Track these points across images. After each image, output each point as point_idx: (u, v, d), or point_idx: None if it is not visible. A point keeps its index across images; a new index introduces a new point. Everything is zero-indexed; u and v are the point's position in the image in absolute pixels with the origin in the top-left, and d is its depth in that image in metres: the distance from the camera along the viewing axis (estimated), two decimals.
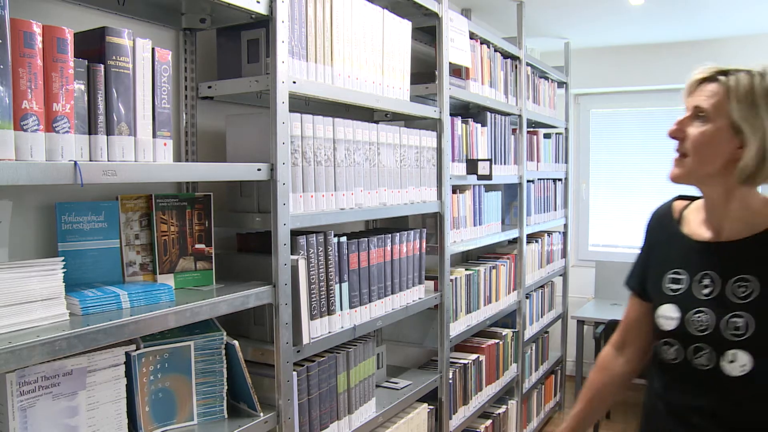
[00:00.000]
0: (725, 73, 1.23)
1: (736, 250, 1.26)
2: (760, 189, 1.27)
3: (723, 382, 1.23)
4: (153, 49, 1.34)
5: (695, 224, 1.35)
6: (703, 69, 1.26)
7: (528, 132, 3.47)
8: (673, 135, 1.28)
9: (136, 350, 1.41)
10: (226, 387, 1.57)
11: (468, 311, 2.75)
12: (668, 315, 1.31)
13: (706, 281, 1.28)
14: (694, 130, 1.24)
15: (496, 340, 3.08)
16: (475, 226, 2.83)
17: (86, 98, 1.22)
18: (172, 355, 1.48)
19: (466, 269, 2.79)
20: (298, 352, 1.67)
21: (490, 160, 2.73)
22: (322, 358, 1.81)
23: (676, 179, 1.29)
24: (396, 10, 2.16)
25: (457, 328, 2.62)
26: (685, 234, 1.35)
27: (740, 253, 1.26)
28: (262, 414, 1.58)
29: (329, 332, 1.82)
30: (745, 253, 1.25)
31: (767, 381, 1.21)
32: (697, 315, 1.27)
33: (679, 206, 1.42)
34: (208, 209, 1.59)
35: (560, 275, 4.26)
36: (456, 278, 2.61)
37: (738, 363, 1.21)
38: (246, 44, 1.72)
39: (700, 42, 4.35)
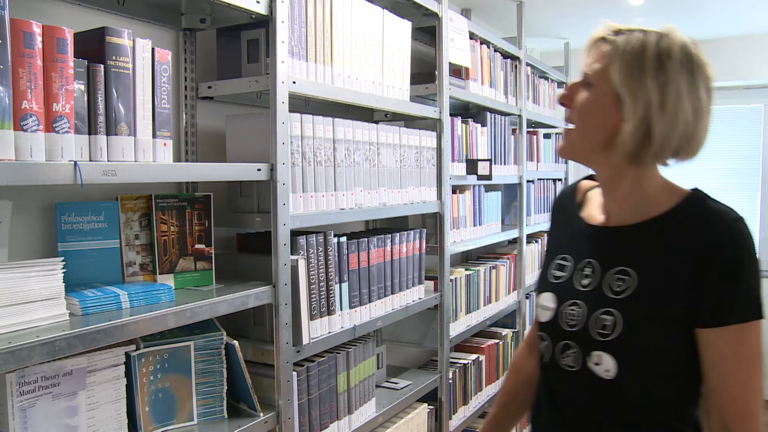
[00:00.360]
0: (621, 32, 1.07)
1: (620, 238, 1.12)
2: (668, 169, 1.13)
3: (594, 386, 1.08)
4: (153, 49, 1.34)
5: (594, 206, 1.21)
6: (601, 27, 1.11)
7: (528, 132, 3.47)
8: (561, 101, 1.13)
9: (136, 350, 1.41)
10: (226, 387, 1.57)
11: (468, 311, 2.75)
12: (546, 304, 1.17)
13: (587, 270, 1.13)
14: (580, 97, 1.09)
15: (496, 340, 3.08)
16: (475, 226, 2.83)
17: (86, 98, 1.22)
18: (172, 355, 1.48)
19: (466, 269, 2.78)
20: (298, 352, 1.67)
21: (490, 160, 2.73)
22: (322, 358, 1.81)
23: (561, 153, 1.15)
24: (396, 10, 2.16)
25: (457, 328, 2.62)
26: (582, 217, 1.21)
27: (624, 241, 1.11)
28: (262, 414, 1.58)
29: (329, 332, 1.82)
30: (628, 243, 1.10)
31: (635, 389, 1.06)
32: (571, 307, 1.12)
33: (584, 187, 1.27)
34: (208, 209, 1.59)
35: None
36: (456, 278, 2.61)
37: (603, 366, 1.06)
38: (246, 44, 1.72)
39: (700, 42, 4.34)
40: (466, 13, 3.45)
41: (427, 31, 2.53)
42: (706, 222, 1.04)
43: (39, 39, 1.11)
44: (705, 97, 1.04)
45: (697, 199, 1.09)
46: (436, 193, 2.40)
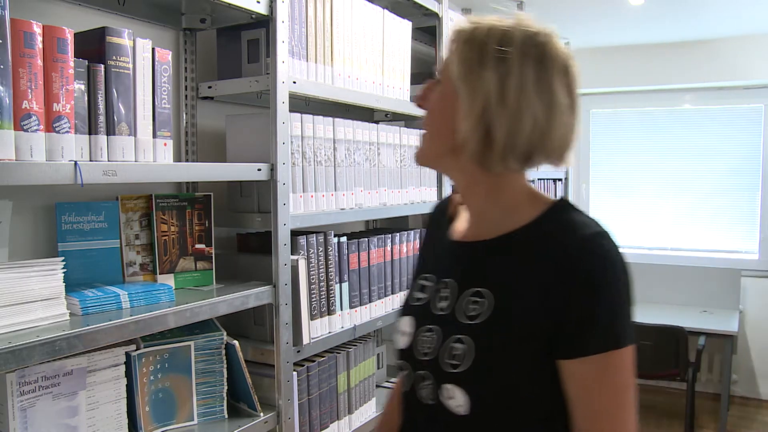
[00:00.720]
0: (474, 24, 0.94)
1: (477, 255, 0.99)
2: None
3: (449, 422, 0.94)
4: (153, 49, 1.34)
5: (463, 220, 1.07)
6: (460, 21, 0.96)
7: None
8: (415, 102, 1.02)
9: (136, 350, 1.41)
10: (226, 387, 1.57)
11: None
12: (403, 329, 1.04)
13: (444, 292, 0.99)
14: (433, 97, 0.98)
15: None
16: None
17: (86, 98, 1.22)
18: (172, 355, 1.48)
19: None
20: (298, 352, 1.67)
21: None
22: (322, 358, 1.81)
23: (417, 161, 1.03)
24: (396, 10, 2.16)
25: None
26: (449, 232, 1.08)
27: (481, 259, 0.98)
28: (262, 414, 1.58)
29: (329, 332, 1.82)
30: (485, 261, 0.97)
31: (492, 429, 0.92)
32: (426, 334, 0.98)
33: (458, 199, 1.13)
34: (208, 209, 1.59)
35: None
36: None
37: (455, 401, 0.92)
38: (246, 44, 1.72)
39: (700, 42, 4.35)
40: (466, 13, 3.44)
41: (427, 31, 2.53)
42: (563, 237, 0.91)
43: (39, 39, 1.11)
44: (562, 90, 0.90)
45: (558, 210, 0.96)
46: (437, 193, 2.40)
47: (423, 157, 1.02)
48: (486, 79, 0.88)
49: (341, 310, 1.88)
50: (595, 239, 0.90)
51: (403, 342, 1.03)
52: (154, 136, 1.35)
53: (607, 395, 0.88)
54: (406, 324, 1.04)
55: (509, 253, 0.95)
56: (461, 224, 1.06)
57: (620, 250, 0.91)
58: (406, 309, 1.07)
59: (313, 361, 1.78)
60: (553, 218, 0.95)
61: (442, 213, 1.14)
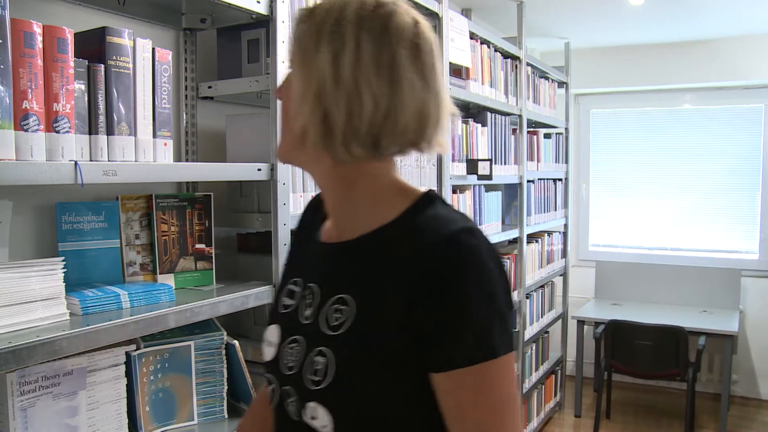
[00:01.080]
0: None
1: (340, 257, 0.89)
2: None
3: None
4: (153, 49, 1.34)
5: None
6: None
7: (528, 132, 3.47)
8: (276, 95, 0.96)
9: (136, 350, 1.41)
10: (226, 387, 1.57)
11: None
12: (270, 339, 0.94)
13: (310, 298, 0.90)
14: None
15: None
16: None
17: (86, 98, 1.22)
18: (173, 355, 1.48)
19: None
20: None
21: (490, 160, 2.73)
22: None
23: (279, 159, 0.96)
24: None
25: None
26: (319, 232, 0.98)
27: (344, 261, 0.88)
28: None
29: None
30: (348, 263, 0.88)
31: None
32: (292, 345, 0.88)
33: None
34: (208, 209, 1.59)
35: (560, 275, 4.26)
36: None
37: (319, 421, 0.82)
38: (246, 44, 1.72)
39: (700, 42, 4.35)
40: (466, 13, 3.45)
41: None
42: (426, 235, 0.81)
43: (39, 39, 1.11)
44: (409, 66, 0.81)
45: (423, 205, 0.87)
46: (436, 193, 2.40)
47: (280, 154, 0.92)
48: (320, 59, 0.80)
49: None
50: (462, 236, 0.80)
51: (269, 354, 0.93)
52: (154, 136, 1.35)
53: (484, 412, 0.79)
54: (273, 333, 0.93)
55: (372, 254, 0.85)
56: (329, 224, 0.96)
57: (492, 247, 0.82)
58: (274, 317, 0.96)
59: None
60: (417, 214, 0.86)
61: (315, 211, 1.02)
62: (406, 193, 0.89)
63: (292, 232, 1.09)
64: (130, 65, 1.29)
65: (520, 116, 3.32)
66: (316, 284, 0.90)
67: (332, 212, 0.92)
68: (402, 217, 0.86)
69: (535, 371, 3.76)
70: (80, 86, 1.20)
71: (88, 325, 1.17)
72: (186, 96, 1.75)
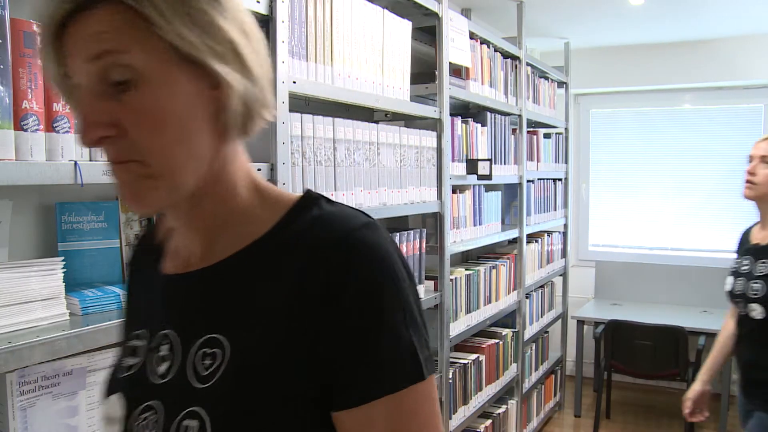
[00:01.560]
0: None
1: (204, 288, 0.71)
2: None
3: None
4: None
5: (180, 243, 0.77)
6: None
7: (528, 132, 3.47)
8: None
9: None
10: None
11: (468, 311, 2.75)
12: (110, 415, 0.74)
13: (164, 349, 0.71)
14: None
15: (496, 340, 3.08)
16: (475, 226, 2.83)
17: None
18: None
19: (466, 269, 2.78)
20: None
21: (490, 160, 2.73)
22: None
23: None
24: (396, 10, 2.16)
25: (457, 327, 2.62)
26: (160, 266, 0.78)
27: (210, 292, 0.70)
28: None
29: None
30: (215, 293, 0.70)
31: None
32: (145, 415, 0.69)
33: (168, 221, 0.81)
34: None
35: (560, 275, 4.26)
36: (456, 278, 2.61)
37: None
38: None
39: (700, 42, 4.35)
40: (466, 13, 3.45)
41: (427, 31, 2.53)
42: (314, 238, 0.67)
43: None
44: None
45: (306, 205, 0.71)
46: (436, 192, 2.40)
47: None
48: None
49: None
50: (360, 236, 0.66)
51: None
52: None
53: None
54: (114, 406, 0.73)
55: (248, 273, 0.69)
56: (176, 252, 0.77)
57: (394, 242, 0.69)
58: (113, 385, 0.76)
59: None
60: (299, 217, 0.70)
61: (148, 244, 0.84)
62: (280, 197, 0.75)
63: (126, 276, 0.90)
64: None
65: (519, 116, 3.32)
66: (171, 329, 0.71)
67: (193, 230, 0.73)
68: (282, 223, 0.71)
69: (535, 371, 3.76)
70: None
71: (87, 325, 1.17)
72: None
